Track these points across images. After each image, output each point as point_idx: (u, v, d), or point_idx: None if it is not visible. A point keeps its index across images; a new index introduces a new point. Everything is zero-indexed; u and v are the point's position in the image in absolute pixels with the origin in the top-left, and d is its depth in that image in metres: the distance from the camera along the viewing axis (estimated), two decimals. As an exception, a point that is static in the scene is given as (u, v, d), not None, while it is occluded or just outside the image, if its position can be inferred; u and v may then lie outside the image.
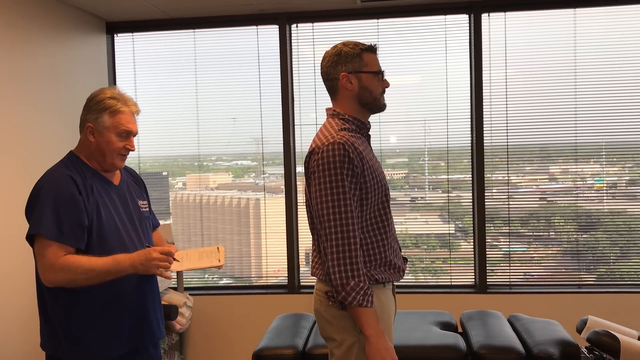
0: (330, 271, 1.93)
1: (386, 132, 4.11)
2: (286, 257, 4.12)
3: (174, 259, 2.16)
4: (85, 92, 3.87)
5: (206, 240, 4.33)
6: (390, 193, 2.17)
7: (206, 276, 4.38)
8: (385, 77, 2.17)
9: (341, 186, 1.94)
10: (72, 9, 3.76)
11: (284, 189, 4.12)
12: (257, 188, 4.35)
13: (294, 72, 4.12)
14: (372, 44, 2.18)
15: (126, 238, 2.20)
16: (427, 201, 4.25)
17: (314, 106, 4.10)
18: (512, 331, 2.81)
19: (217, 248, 2.37)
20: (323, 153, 1.97)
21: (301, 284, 4.17)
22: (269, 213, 4.22)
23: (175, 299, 3.77)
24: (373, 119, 2.22)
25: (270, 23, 4.07)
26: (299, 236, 4.15)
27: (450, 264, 4.12)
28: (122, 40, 4.25)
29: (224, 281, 4.37)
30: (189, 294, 4.03)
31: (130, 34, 4.23)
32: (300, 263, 4.18)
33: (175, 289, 4.03)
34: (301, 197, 4.11)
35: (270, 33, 4.11)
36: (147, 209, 2.41)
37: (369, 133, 2.19)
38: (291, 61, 4.11)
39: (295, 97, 4.13)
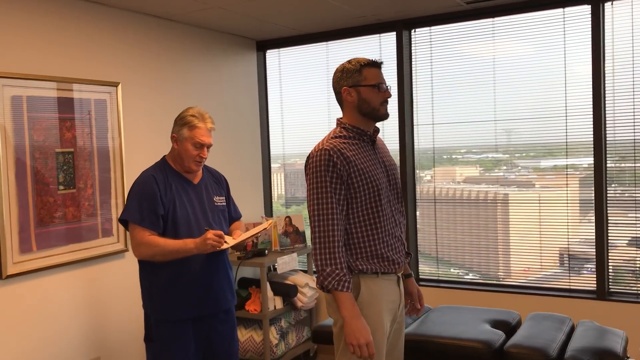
0: (313, 259, 2.28)
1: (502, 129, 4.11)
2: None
3: (225, 242, 2.69)
4: (240, 105, 4.68)
5: (452, 234, 4.39)
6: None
7: (451, 270, 4.41)
8: (388, 89, 2.41)
9: (323, 187, 2.27)
10: (227, 35, 4.55)
11: (535, 184, 4.14)
12: (506, 182, 4.25)
13: (412, 73, 4.35)
14: (376, 59, 2.43)
15: (194, 225, 2.78)
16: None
17: (431, 106, 4.30)
18: (564, 336, 2.75)
19: (270, 223, 2.88)
20: (314, 158, 2.31)
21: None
22: (517, 208, 4.16)
23: (298, 280, 4.33)
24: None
25: (389, 30, 4.36)
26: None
27: (569, 267, 3.97)
28: (270, 56, 4.93)
29: (469, 276, 4.38)
30: (316, 276, 4.55)
31: (277, 49, 4.90)
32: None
33: (305, 271, 4.59)
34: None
35: (391, 39, 4.40)
36: (223, 204, 2.96)
37: (374, 139, 2.45)
38: (410, 64, 4.35)
39: (414, 98, 4.37)
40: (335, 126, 2.46)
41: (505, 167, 4.21)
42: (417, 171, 4.44)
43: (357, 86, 2.37)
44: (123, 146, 3.59)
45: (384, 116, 2.42)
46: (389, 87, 2.43)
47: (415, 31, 4.33)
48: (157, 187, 2.71)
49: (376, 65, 2.42)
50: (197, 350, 2.82)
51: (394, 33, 4.34)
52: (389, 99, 2.42)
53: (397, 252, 2.40)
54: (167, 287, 2.75)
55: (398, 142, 4.36)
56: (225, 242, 2.71)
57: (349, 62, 2.42)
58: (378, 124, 2.48)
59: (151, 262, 2.74)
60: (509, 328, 2.94)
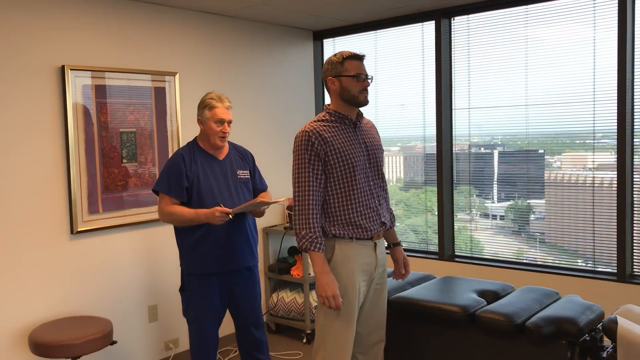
0: (293, 223, 2.70)
1: (535, 116, 4.24)
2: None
3: (231, 217, 3.13)
4: (296, 90, 5.16)
5: (576, 222, 4.16)
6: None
7: (578, 262, 4.18)
8: (367, 79, 2.75)
9: (303, 163, 2.68)
10: (283, 27, 5.02)
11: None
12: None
13: (453, 61, 4.57)
14: (358, 52, 2.78)
15: (218, 195, 3.26)
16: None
17: (468, 91, 4.51)
18: (539, 306, 2.95)
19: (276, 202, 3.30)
20: (297, 139, 2.73)
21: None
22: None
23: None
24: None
25: (428, 19, 4.61)
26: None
27: (594, 249, 4.05)
28: (327, 45, 5.34)
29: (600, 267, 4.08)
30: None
31: (333, 39, 5.30)
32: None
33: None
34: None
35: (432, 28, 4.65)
36: (246, 176, 3.44)
37: (356, 122, 2.80)
38: (450, 50, 4.57)
39: (453, 84, 4.59)
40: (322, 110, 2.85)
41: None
42: (546, 156, 4.31)
43: (339, 76, 2.74)
44: (180, 127, 4.19)
45: (363, 103, 2.77)
46: (369, 78, 2.77)
47: (454, 19, 4.54)
48: (184, 163, 3.22)
49: (358, 57, 2.77)
50: (221, 301, 3.34)
51: (433, 22, 4.58)
52: (367, 88, 2.77)
53: (371, 221, 2.75)
54: (194, 246, 3.27)
55: (435, 125, 4.62)
56: (229, 215, 3.11)
57: (335, 55, 2.79)
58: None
59: (182, 226, 3.28)
60: (495, 298, 3.16)
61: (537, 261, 4.34)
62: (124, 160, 3.91)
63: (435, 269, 4.55)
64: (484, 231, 4.66)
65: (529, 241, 4.46)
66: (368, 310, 2.86)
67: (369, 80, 2.78)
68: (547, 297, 3.09)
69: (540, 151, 4.35)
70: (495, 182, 4.59)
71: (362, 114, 2.87)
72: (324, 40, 5.35)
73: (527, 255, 4.43)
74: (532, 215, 4.47)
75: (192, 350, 3.38)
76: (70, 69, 3.59)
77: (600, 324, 2.86)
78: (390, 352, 3.19)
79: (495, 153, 4.57)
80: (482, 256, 4.59)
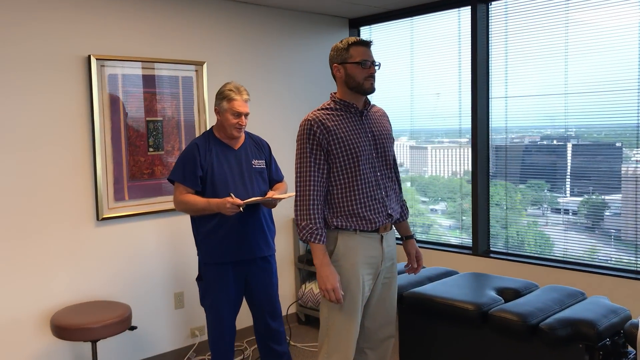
0: (294, 214, 2.65)
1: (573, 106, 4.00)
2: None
3: (242, 210, 3.11)
4: (330, 81, 5.04)
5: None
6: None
7: None
8: (373, 66, 2.65)
9: (304, 153, 2.62)
10: (318, 15, 4.95)
11: None
12: None
13: (490, 47, 4.37)
14: (365, 39, 2.69)
15: (231, 184, 3.25)
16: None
17: (505, 79, 4.30)
18: (559, 307, 2.78)
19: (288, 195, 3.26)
20: (300, 127, 2.67)
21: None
22: None
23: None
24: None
25: (465, 5, 4.42)
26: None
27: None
28: (363, 33, 5.23)
29: None
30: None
31: (369, 26, 5.18)
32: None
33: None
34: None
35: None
36: (262, 166, 3.40)
37: (362, 111, 2.71)
38: (487, 37, 4.37)
39: (490, 71, 4.39)
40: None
41: None
42: (624, 149, 3.97)
43: (344, 63, 2.66)
44: (207, 116, 4.21)
45: (369, 90, 2.67)
46: (376, 64, 2.67)
47: (491, 4, 4.33)
48: (198, 153, 3.23)
49: (364, 44, 2.67)
50: (237, 290, 3.34)
51: (470, 7, 4.39)
52: (374, 75, 2.67)
53: (375, 212, 2.66)
54: (209, 235, 3.28)
55: (470, 115, 4.44)
56: (240, 207, 3.09)
57: (341, 41, 2.71)
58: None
59: (196, 216, 3.29)
60: (515, 296, 3.00)
61: (609, 262, 3.97)
62: (151, 149, 3.96)
63: (467, 265, 4.38)
64: (553, 227, 4.28)
65: (603, 238, 4.08)
66: (376, 304, 2.78)
67: (376, 67, 2.68)
68: (570, 298, 2.91)
69: (617, 144, 4.03)
70: (569, 176, 4.22)
71: (370, 102, 2.77)
72: (361, 28, 5.25)
73: (599, 254, 4.06)
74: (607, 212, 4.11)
75: (210, 339, 3.40)
76: (96, 59, 3.66)
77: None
78: (403, 349, 3.10)
79: (569, 146, 4.22)
80: (528, 254, 4.36)
